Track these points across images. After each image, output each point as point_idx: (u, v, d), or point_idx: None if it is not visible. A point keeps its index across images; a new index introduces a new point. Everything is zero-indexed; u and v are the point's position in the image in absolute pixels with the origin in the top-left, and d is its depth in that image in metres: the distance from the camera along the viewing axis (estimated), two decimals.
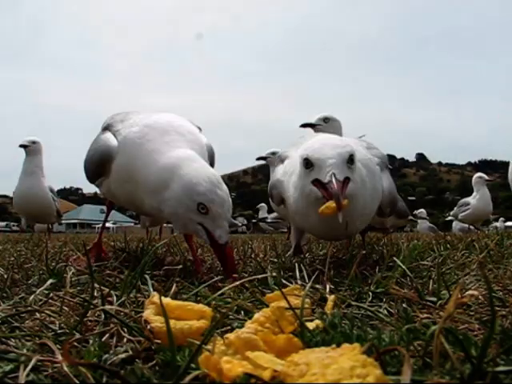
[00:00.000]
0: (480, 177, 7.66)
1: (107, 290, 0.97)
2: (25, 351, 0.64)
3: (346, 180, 1.37)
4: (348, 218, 1.38)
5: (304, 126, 3.34)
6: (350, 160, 1.40)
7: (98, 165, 1.68)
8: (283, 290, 0.82)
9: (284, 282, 1.19)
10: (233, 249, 1.49)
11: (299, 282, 1.18)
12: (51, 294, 1.04)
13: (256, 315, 0.66)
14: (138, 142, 1.53)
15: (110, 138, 1.63)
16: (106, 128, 1.72)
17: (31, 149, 5.20)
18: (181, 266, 1.37)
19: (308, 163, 1.41)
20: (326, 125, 3.31)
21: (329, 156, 1.37)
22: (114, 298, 0.94)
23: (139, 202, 1.56)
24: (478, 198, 7.51)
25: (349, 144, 1.46)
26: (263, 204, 10.97)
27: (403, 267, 1.19)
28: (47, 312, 0.87)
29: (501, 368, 0.52)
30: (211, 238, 1.36)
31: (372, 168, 1.62)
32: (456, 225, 9.08)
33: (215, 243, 1.35)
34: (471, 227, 7.75)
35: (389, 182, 1.74)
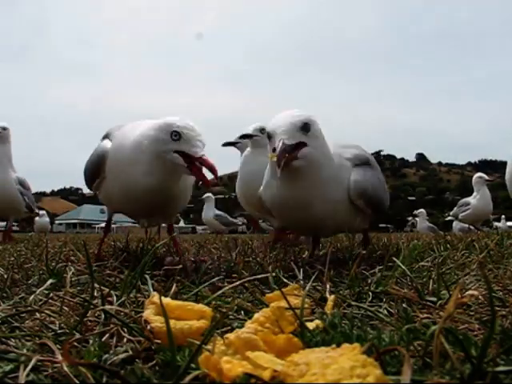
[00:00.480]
0: (480, 177, 7.65)
1: (107, 289, 0.97)
2: (25, 351, 0.64)
3: (301, 144, 1.50)
4: (308, 185, 1.56)
5: (242, 137, 3.30)
6: (305, 127, 1.51)
7: (95, 166, 1.84)
8: (283, 289, 0.82)
9: (284, 281, 1.19)
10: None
11: (300, 281, 1.18)
12: (51, 294, 1.04)
13: (256, 315, 0.66)
14: (120, 138, 1.77)
15: (106, 142, 1.84)
16: (106, 136, 1.91)
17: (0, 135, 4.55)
18: (181, 266, 1.37)
19: (268, 135, 1.55)
20: (263, 136, 3.17)
21: (280, 125, 1.49)
22: (114, 297, 0.94)
23: (132, 194, 1.70)
24: (478, 198, 7.50)
25: (305, 114, 1.56)
26: None
27: (403, 267, 1.19)
28: (47, 312, 0.87)
29: (501, 368, 0.52)
30: (188, 162, 1.54)
31: (338, 160, 1.72)
32: (456, 225, 9.08)
33: (192, 162, 1.53)
34: (471, 227, 7.75)
35: (362, 176, 1.76)
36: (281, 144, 1.44)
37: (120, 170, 1.71)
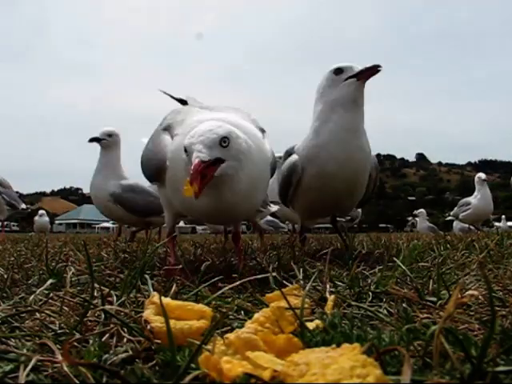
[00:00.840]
0: (479, 177, 7.67)
1: (107, 289, 0.97)
2: (25, 351, 0.64)
3: (218, 161, 1.33)
4: (228, 196, 1.42)
5: (91, 140, 3.96)
6: (223, 141, 1.35)
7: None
8: (283, 289, 0.82)
9: (284, 282, 1.19)
10: None
11: (300, 281, 1.18)
12: (51, 294, 1.04)
13: (256, 315, 0.66)
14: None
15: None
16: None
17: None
18: (181, 266, 1.37)
19: (185, 150, 1.38)
20: (111, 139, 3.95)
21: (196, 141, 1.34)
22: (114, 297, 0.94)
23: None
24: (478, 198, 7.49)
25: (222, 126, 1.40)
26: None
27: (403, 267, 1.19)
28: (47, 312, 0.87)
29: (501, 368, 0.52)
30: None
31: (258, 138, 1.60)
32: (457, 224, 9.07)
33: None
34: (471, 227, 7.74)
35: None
36: (195, 162, 1.28)
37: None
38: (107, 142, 3.97)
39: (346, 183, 2.13)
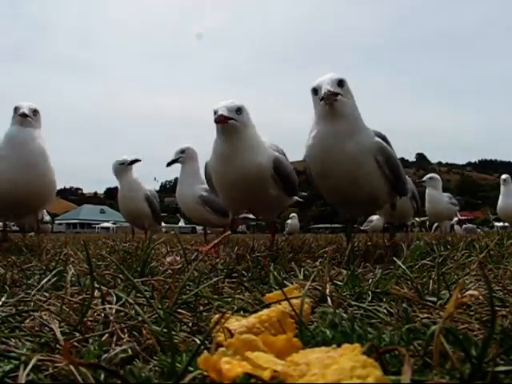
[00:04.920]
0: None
1: (107, 289, 0.97)
2: (25, 351, 0.64)
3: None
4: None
5: (169, 164, 4.17)
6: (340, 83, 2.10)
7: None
8: (283, 289, 0.81)
9: (284, 281, 1.19)
10: None
11: (300, 281, 1.18)
12: (51, 294, 1.04)
13: (260, 312, 0.66)
14: None
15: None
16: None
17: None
18: (180, 266, 1.37)
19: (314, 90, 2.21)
20: (184, 155, 4.23)
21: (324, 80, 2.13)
22: (114, 297, 0.94)
23: None
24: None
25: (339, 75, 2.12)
26: None
27: (403, 267, 1.19)
28: (47, 312, 0.87)
29: (501, 368, 0.52)
30: None
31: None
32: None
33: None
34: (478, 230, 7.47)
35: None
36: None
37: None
38: (183, 159, 4.31)
39: (342, 180, 2.15)
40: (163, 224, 5.08)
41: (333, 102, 2.00)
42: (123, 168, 4.61)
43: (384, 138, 2.24)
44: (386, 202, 2.40)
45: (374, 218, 9.58)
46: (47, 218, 11.43)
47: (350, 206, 2.49)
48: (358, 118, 2.14)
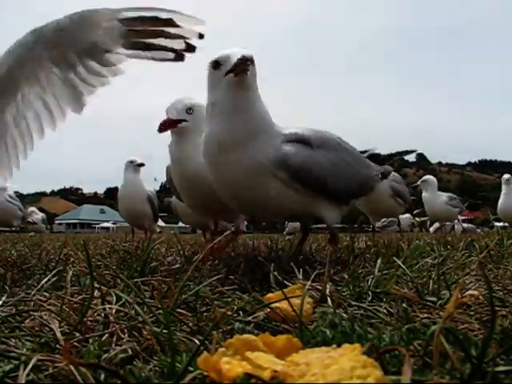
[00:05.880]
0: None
1: (107, 289, 0.97)
2: (25, 351, 0.64)
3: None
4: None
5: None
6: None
7: None
8: (286, 289, 0.81)
9: (285, 282, 1.19)
10: None
11: (300, 281, 1.18)
12: (51, 294, 1.04)
13: None
14: None
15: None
16: None
17: None
18: (180, 266, 1.37)
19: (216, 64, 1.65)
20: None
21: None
22: (114, 297, 0.94)
23: None
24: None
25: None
26: None
27: (403, 267, 1.19)
28: (47, 312, 0.87)
29: (501, 368, 0.52)
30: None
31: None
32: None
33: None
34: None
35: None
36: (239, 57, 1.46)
37: None
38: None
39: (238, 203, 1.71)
40: (162, 224, 5.09)
41: (244, 77, 1.47)
42: (132, 167, 4.61)
43: (303, 141, 1.65)
44: (328, 216, 1.73)
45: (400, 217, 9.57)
46: (38, 216, 10.85)
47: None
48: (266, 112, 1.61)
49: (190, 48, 1.73)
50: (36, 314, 0.86)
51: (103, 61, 1.69)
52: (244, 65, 1.44)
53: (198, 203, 2.17)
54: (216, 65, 1.54)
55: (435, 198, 6.29)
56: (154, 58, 1.73)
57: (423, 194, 6.33)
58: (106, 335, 0.72)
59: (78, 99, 1.74)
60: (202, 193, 1.97)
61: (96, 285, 0.94)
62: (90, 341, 0.70)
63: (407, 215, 10.06)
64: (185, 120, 2.00)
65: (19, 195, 8.02)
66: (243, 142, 1.54)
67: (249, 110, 1.55)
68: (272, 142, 1.58)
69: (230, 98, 1.53)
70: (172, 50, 1.71)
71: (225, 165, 1.57)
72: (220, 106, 1.55)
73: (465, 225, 8.42)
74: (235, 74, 1.46)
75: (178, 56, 1.74)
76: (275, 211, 1.71)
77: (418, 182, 6.47)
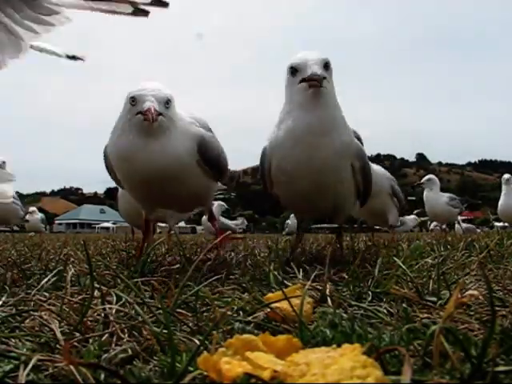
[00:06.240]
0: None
1: (107, 289, 0.97)
2: (25, 351, 0.64)
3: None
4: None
5: None
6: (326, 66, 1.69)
7: None
8: (287, 289, 0.81)
9: (285, 282, 1.19)
10: None
11: (300, 281, 1.18)
12: (51, 294, 1.04)
13: None
14: None
15: None
16: None
17: None
18: (179, 265, 1.37)
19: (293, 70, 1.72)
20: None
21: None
22: (114, 297, 0.94)
23: None
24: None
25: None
26: None
27: (403, 267, 1.19)
28: (47, 312, 0.87)
29: (501, 368, 0.52)
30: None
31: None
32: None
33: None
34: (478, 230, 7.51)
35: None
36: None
37: None
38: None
39: (307, 182, 1.77)
40: (162, 224, 5.08)
41: (319, 89, 1.60)
42: None
43: (359, 139, 1.89)
44: (347, 215, 2.03)
45: (408, 218, 9.59)
46: (37, 216, 10.65)
47: (306, 213, 2.13)
48: (340, 111, 1.77)
49: (161, 2, 1.40)
50: (36, 314, 0.86)
51: (43, 9, 1.52)
52: (318, 81, 1.59)
53: (152, 196, 2.01)
54: (293, 71, 1.69)
55: (438, 197, 6.29)
56: (104, 10, 1.44)
57: (426, 193, 6.31)
58: (106, 335, 0.72)
59: (18, 44, 1.60)
60: (165, 183, 1.88)
61: (96, 285, 0.94)
62: (90, 341, 0.70)
63: (413, 216, 10.05)
64: (162, 115, 1.78)
65: (19, 195, 7.99)
66: (325, 127, 1.71)
67: (323, 109, 1.69)
68: (348, 132, 1.79)
69: (307, 100, 1.66)
70: (131, 2, 1.40)
71: (315, 148, 1.70)
72: (297, 105, 1.69)
73: (464, 225, 8.41)
74: (309, 85, 1.62)
75: (140, 10, 1.41)
76: (334, 196, 1.85)
77: (423, 180, 6.45)
